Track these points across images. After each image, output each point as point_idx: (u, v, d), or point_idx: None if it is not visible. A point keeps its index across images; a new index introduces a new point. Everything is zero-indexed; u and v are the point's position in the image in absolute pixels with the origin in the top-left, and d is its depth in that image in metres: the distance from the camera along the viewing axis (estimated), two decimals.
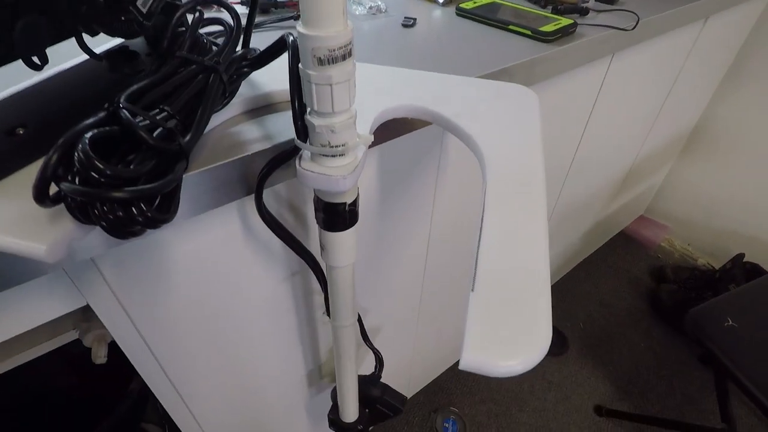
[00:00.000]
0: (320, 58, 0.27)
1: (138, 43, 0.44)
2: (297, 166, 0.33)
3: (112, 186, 0.24)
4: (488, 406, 1.25)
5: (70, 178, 0.25)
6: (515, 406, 1.25)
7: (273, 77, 0.44)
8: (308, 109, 0.31)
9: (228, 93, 0.37)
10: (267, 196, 0.43)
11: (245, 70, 0.37)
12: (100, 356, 0.58)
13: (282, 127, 0.40)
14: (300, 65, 0.29)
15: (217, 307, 0.49)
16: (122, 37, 0.41)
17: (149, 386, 0.51)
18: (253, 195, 0.39)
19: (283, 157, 0.36)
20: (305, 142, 0.33)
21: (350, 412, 0.62)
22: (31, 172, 0.32)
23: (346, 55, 0.27)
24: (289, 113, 0.41)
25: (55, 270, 0.34)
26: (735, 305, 1.01)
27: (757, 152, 1.39)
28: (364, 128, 0.36)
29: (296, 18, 0.62)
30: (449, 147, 0.60)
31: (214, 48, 0.37)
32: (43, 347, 0.62)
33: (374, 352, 0.63)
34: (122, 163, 0.26)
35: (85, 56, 0.42)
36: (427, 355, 1.08)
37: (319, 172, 0.32)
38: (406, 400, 0.67)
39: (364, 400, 0.64)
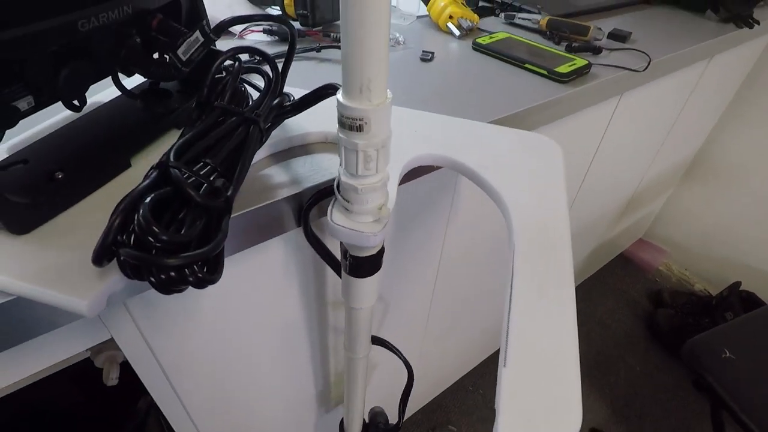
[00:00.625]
0: (348, 124, 0.27)
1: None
2: (329, 220, 0.33)
3: (167, 251, 0.25)
4: (486, 426, 1.26)
5: (125, 238, 0.26)
6: None
7: (292, 120, 0.44)
8: (342, 168, 0.32)
9: (265, 138, 0.38)
10: (287, 236, 0.44)
11: (283, 117, 0.37)
12: (112, 378, 0.58)
13: (306, 170, 0.40)
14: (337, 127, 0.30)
15: (236, 340, 0.49)
16: (158, 80, 0.42)
17: (165, 414, 0.51)
18: (276, 237, 0.40)
19: (329, 192, 0.37)
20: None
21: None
22: (69, 217, 0.32)
23: (365, 127, 0.28)
24: (313, 157, 0.42)
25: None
26: (733, 337, 1.02)
27: (754, 184, 1.42)
28: (394, 175, 0.37)
29: (318, 50, 0.63)
30: (462, 189, 0.61)
31: (248, 93, 0.38)
32: (53, 367, 0.62)
33: (400, 416, 0.64)
34: (174, 223, 0.26)
35: (116, 91, 0.43)
36: (429, 375, 1.09)
37: (349, 227, 0.33)
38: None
39: None
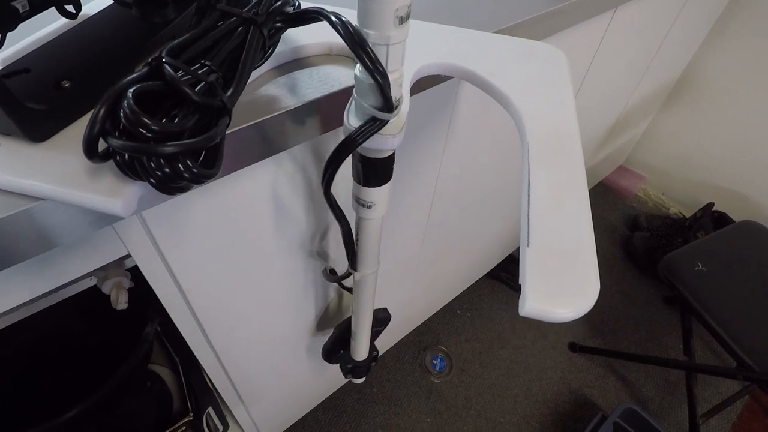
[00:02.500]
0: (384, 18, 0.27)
1: None
2: (346, 124, 0.34)
3: (158, 141, 0.25)
4: (473, 344, 1.34)
5: (117, 134, 0.25)
6: (497, 344, 1.35)
7: (302, 28, 0.43)
8: (358, 66, 0.32)
9: (269, 47, 0.37)
10: (286, 156, 0.44)
11: (283, 25, 0.36)
12: (121, 302, 0.59)
13: (316, 82, 0.40)
14: (357, 24, 0.29)
15: (242, 254, 0.51)
16: None
17: (180, 329, 0.53)
18: (281, 153, 0.40)
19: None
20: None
21: (362, 351, 0.66)
22: (77, 129, 0.32)
23: (405, 17, 0.28)
24: (318, 69, 0.41)
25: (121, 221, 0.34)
26: (705, 251, 1.09)
27: (736, 106, 1.45)
28: (405, 82, 0.37)
29: None
30: (460, 107, 0.61)
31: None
32: (60, 294, 0.63)
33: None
34: (167, 119, 0.26)
35: (109, 1, 0.41)
36: (421, 298, 1.14)
37: None
38: (388, 312, 0.71)
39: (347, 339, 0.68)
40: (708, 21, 1.28)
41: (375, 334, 0.70)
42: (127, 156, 0.25)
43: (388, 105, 0.31)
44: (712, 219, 1.53)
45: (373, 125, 0.32)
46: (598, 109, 1.11)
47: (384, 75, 0.30)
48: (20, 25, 0.31)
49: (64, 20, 0.39)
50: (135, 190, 0.28)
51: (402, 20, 0.27)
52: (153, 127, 0.24)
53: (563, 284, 0.25)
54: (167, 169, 0.25)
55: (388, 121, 0.32)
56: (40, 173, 0.28)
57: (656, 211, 1.77)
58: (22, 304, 0.38)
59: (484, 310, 1.43)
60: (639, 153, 1.78)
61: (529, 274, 0.25)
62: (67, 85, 0.32)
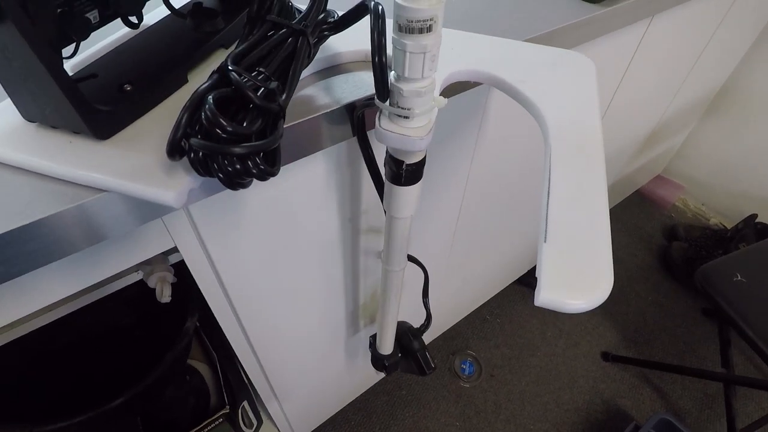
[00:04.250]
0: (418, 27, 0.29)
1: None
2: (377, 126, 0.36)
3: (232, 142, 0.28)
4: (502, 350, 1.33)
5: (194, 131, 0.29)
6: (527, 351, 1.34)
7: (338, 37, 0.46)
8: (392, 74, 0.34)
9: (312, 54, 0.40)
10: (330, 152, 0.47)
11: (327, 33, 0.39)
12: (165, 295, 0.63)
13: (350, 87, 0.43)
14: (392, 31, 0.31)
15: (280, 252, 0.54)
16: None
17: (218, 320, 0.56)
18: (322, 151, 0.43)
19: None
20: (385, 102, 0.36)
21: (386, 346, 0.68)
22: (136, 128, 0.35)
23: (434, 26, 0.30)
24: (354, 74, 0.44)
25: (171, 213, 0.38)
26: (745, 262, 1.05)
27: None
28: (436, 87, 0.39)
29: None
30: (490, 112, 0.63)
31: (295, 8, 0.40)
32: (108, 288, 0.68)
33: (427, 311, 0.69)
34: (236, 122, 0.29)
35: (161, 15, 0.45)
36: (450, 302, 1.15)
37: (399, 132, 0.35)
38: (434, 369, 0.73)
39: (403, 347, 0.70)
40: (753, 30, 1.25)
41: (407, 366, 0.72)
42: (201, 154, 0.29)
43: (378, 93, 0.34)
44: (755, 231, 1.47)
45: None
46: (632, 119, 1.09)
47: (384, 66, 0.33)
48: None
49: (126, 29, 0.43)
50: (186, 184, 0.31)
51: (413, 30, 0.29)
52: (228, 128, 0.28)
53: (577, 276, 0.27)
54: (238, 166, 0.29)
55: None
56: (105, 167, 0.31)
57: (695, 222, 1.72)
58: (71, 295, 0.41)
59: (514, 317, 1.42)
60: (678, 163, 1.73)
61: (544, 267, 0.27)
62: (129, 88, 0.36)
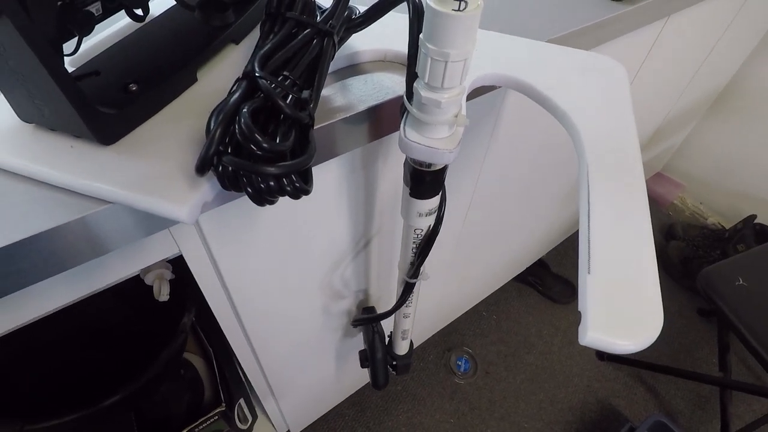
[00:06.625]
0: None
1: None
2: (402, 136, 0.34)
3: (267, 160, 0.26)
4: (498, 347, 1.33)
5: (226, 147, 0.26)
6: (523, 348, 1.33)
7: (358, 36, 0.43)
8: (420, 81, 0.31)
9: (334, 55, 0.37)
10: (346, 159, 0.45)
11: (350, 32, 0.37)
12: (163, 294, 0.61)
13: (369, 89, 0.40)
14: (422, 36, 0.29)
15: (284, 252, 0.51)
16: None
17: (219, 322, 0.54)
18: (337, 157, 0.40)
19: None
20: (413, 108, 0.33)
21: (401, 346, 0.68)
22: (144, 131, 0.33)
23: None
24: (373, 75, 0.41)
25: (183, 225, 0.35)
26: (747, 266, 1.05)
27: None
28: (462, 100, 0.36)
29: None
30: (504, 115, 0.60)
31: (316, 4, 0.37)
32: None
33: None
34: (268, 135, 0.27)
35: (166, 4, 0.42)
36: (448, 301, 1.13)
37: (425, 144, 0.33)
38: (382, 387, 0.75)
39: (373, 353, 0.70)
40: (758, 31, 1.23)
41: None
42: (230, 169, 0.26)
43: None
44: (753, 231, 1.47)
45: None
46: (640, 118, 1.08)
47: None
48: None
49: (128, 20, 0.40)
50: (199, 197, 0.29)
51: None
52: (264, 144, 0.25)
53: (626, 316, 0.25)
54: (272, 184, 0.27)
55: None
56: (111, 177, 0.29)
57: (693, 221, 1.72)
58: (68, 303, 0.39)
59: (510, 314, 1.41)
60: (678, 161, 1.72)
61: (590, 303, 0.25)
62: (134, 88, 0.33)
